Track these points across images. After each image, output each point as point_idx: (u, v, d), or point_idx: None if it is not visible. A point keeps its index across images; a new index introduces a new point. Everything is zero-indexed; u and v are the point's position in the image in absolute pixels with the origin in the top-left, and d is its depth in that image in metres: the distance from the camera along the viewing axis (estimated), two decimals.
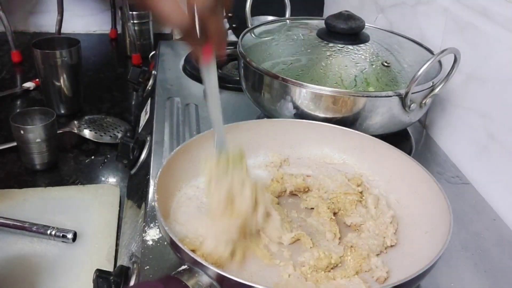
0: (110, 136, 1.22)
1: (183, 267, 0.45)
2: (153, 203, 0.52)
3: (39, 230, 0.86)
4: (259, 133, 0.67)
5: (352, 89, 0.70)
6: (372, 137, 0.65)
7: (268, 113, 0.78)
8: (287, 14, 0.93)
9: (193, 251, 0.47)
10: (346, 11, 0.79)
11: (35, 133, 1.04)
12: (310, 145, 0.68)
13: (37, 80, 1.43)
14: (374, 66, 0.74)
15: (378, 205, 0.60)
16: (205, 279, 0.44)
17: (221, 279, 0.43)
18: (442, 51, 0.67)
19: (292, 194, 0.63)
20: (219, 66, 1.06)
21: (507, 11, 0.69)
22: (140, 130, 0.97)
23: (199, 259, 0.44)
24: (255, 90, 0.77)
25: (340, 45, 0.77)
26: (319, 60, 0.75)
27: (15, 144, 1.09)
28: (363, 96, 0.69)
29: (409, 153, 0.70)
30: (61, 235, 0.86)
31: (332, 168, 0.66)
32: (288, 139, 0.68)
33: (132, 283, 0.55)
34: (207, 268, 0.43)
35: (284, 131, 0.68)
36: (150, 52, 1.21)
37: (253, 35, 0.86)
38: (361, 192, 0.62)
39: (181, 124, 0.83)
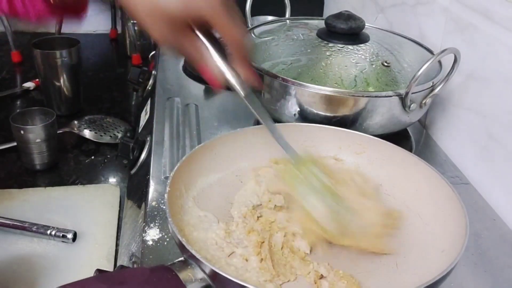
0: (110, 136, 1.22)
1: (180, 258, 0.46)
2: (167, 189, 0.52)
3: (39, 230, 0.86)
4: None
5: (352, 89, 0.70)
6: (396, 146, 0.63)
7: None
8: (287, 14, 0.93)
9: None
10: (346, 11, 0.79)
11: (35, 133, 1.04)
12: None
13: (37, 80, 1.43)
14: (374, 66, 0.74)
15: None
16: (197, 273, 0.44)
17: (213, 275, 0.43)
18: (442, 51, 0.67)
19: None
20: None
21: (507, 11, 0.69)
22: (140, 130, 0.97)
23: (193, 252, 0.44)
24: (255, 90, 0.77)
25: (340, 45, 0.77)
26: (319, 60, 0.75)
27: (15, 144, 1.09)
28: (363, 96, 0.69)
29: None
30: (61, 235, 0.86)
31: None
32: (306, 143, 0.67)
33: None
34: (201, 262, 0.43)
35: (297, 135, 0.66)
36: (150, 52, 1.21)
37: (253, 35, 0.86)
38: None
39: (181, 124, 0.83)
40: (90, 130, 1.22)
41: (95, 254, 0.84)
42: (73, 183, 1.06)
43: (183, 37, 0.50)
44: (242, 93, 0.53)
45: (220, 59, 0.52)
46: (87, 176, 1.09)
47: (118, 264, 0.76)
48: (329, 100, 0.69)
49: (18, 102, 1.42)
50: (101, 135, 1.21)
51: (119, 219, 0.92)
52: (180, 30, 0.50)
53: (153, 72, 1.08)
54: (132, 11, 0.50)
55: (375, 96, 0.69)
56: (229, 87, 0.53)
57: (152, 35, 0.50)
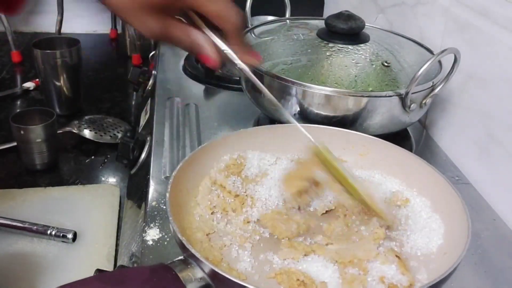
0: (110, 136, 1.22)
1: (179, 257, 0.46)
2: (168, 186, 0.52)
3: (39, 230, 0.86)
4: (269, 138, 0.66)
5: (352, 89, 0.70)
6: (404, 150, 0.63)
7: (268, 114, 0.78)
8: (287, 14, 0.93)
9: None
10: (346, 11, 0.79)
11: (35, 133, 1.04)
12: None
13: (37, 80, 1.43)
14: (374, 66, 0.74)
15: None
16: (197, 272, 0.44)
17: (213, 274, 0.43)
18: (442, 51, 0.67)
19: None
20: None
21: (507, 11, 0.69)
22: (140, 130, 0.97)
23: (193, 251, 0.44)
24: (255, 90, 0.77)
25: (340, 45, 0.77)
26: (319, 60, 0.75)
27: (15, 144, 1.09)
28: (363, 96, 0.69)
29: None
30: (61, 235, 0.86)
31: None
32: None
33: None
34: (200, 262, 0.44)
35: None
36: (150, 52, 1.21)
37: (253, 35, 0.86)
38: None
39: (181, 124, 0.83)
40: (90, 130, 1.22)
41: (95, 254, 0.84)
42: (73, 183, 1.06)
43: (170, 26, 0.48)
44: (244, 66, 0.51)
45: (216, 36, 0.49)
46: (87, 176, 1.09)
47: (118, 264, 0.76)
48: (329, 100, 0.69)
49: (18, 102, 1.42)
50: (101, 135, 1.21)
51: (119, 219, 0.92)
52: (165, 19, 0.48)
53: (153, 72, 1.08)
54: (114, 9, 0.48)
55: (375, 96, 0.69)
56: (227, 64, 0.51)
57: (139, 30, 0.48)
